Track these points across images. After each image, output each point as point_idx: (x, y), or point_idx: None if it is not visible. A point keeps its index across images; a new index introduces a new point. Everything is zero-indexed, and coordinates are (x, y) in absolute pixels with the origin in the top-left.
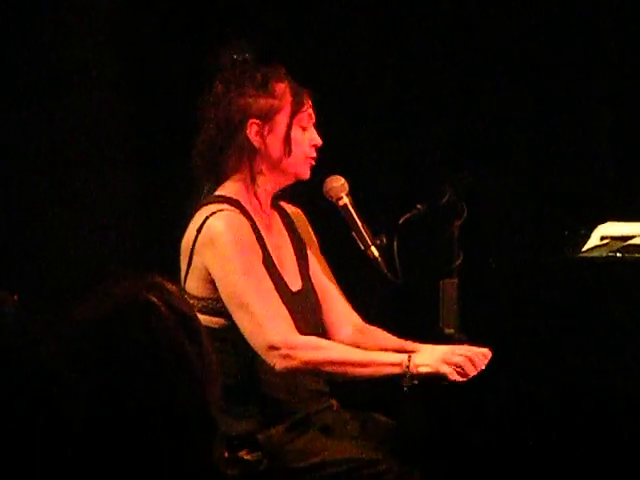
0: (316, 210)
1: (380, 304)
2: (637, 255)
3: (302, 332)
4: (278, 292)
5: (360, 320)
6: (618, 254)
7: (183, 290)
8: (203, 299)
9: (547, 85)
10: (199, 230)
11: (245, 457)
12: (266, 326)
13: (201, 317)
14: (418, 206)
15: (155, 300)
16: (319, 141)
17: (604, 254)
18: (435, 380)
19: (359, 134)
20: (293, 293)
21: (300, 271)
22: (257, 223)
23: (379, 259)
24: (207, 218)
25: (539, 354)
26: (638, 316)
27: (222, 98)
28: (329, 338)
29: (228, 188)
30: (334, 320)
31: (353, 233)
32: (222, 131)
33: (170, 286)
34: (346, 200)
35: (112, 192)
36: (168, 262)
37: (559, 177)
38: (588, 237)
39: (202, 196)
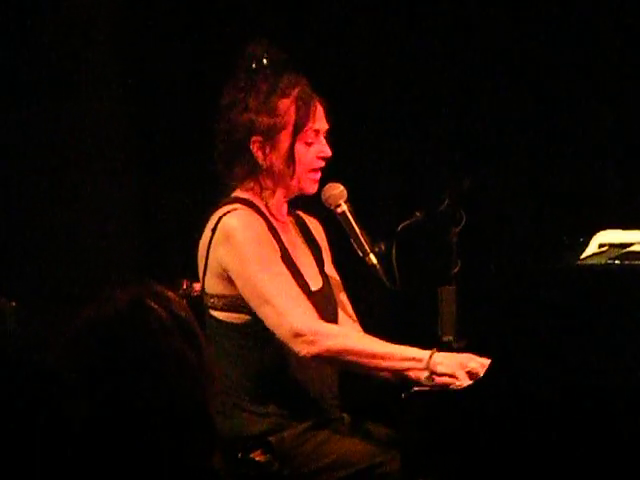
0: (314, 217)
1: (379, 311)
2: (636, 262)
3: None
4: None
5: (361, 331)
6: (617, 261)
7: (203, 290)
8: (224, 297)
9: (547, 85)
10: (214, 230)
11: (257, 459)
12: (289, 315)
13: (223, 314)
14: (417, 213)
15: (155, 306)
16: (327, 153)
17: (603, 261)
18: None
19: (357, 139)
20: (313, 292)
21: (320, 271)
22: (272, 222)
23: (377, 266)
24: (221, 218)
25: (538, 361)
26: (637, 323)
27: (227, 111)
28: None
29: (242, 192)
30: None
31: (351, 240)
32: (227, 146)
33: (169, 293)
34: (344, 207)
35: (112, 192)
36: (168, 262)
37: (559, 177)
38: (587, 244)
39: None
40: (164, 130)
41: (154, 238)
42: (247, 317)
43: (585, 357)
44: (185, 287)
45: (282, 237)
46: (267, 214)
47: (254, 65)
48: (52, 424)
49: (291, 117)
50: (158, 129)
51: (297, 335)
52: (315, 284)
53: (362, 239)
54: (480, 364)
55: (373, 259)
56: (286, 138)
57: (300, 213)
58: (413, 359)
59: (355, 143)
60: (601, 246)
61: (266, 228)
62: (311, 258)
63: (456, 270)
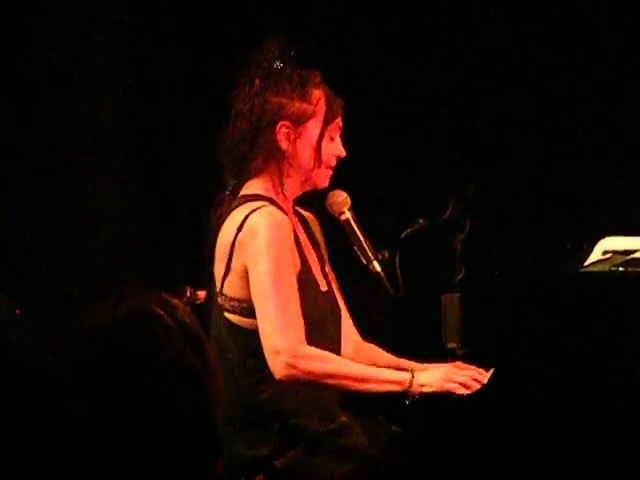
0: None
1: (382, 318)
2: None
3: (330, 332)
4: (310, 290)
5: (358, 337)
6: (621, 268)
7: (220, 292)
8: (244, 301)
9: (547, 85)
10: (239, 228)
11: None
12: (277, 330)
13: (239, 318)
14: (420, 220)
15: (161, 312)
16: (343, 152)
17: (607, 268)
18: (441, 394)
19: (359, 144)
20: (323, 292)
21: (322, 273)
22: (291, 221)
23: (381, 274)
24: (247, 216)
25: (542, 368)
26: None
27: (258, 94)
28: None
29: (256, 186)
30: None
31: (355, 247)
32: (253, 128)
33: (175, 300)
34: (348, 215)
35: (112, 192)
36: (167, 262)
37: (561, 179)
38: (590, 250)
39: (227, 192)
40: (164, 130)
41: (154, 238)
42: None
43: (589, 364)
44: (189, 294)
45: (299, 236)
46: (286, 211)
47: (281, 55)
48: (52, 425)
49: (322, 107)
50: (158, 129)
51: (276, 353)
52: (323, 285)
53: (366, 246)
54: (466, 376)
55: (377, 266)
56: (315, 127)
57: (298, 209)
58: (394, 382)
59: (358, 149)
60: (605, 253)
61: (291, 229)
62: (316, 259)
63: (460, 277)
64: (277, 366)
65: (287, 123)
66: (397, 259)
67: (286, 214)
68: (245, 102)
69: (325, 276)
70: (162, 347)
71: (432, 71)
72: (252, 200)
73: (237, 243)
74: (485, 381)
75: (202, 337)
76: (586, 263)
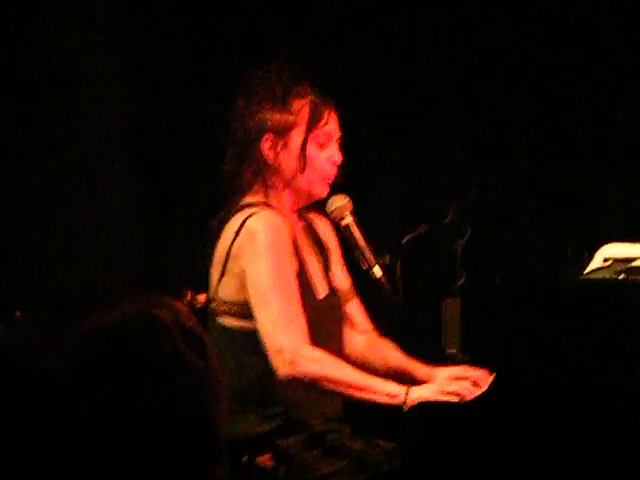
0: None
1: (383, 323)
2: None
3: (325, 340)
4: (305, 299)
5: (373, 333)
6: (622, 276)
7: (214, 297)
8: (239, 304)
9: (547, 85)
10: (237, 232)
11: (263, 463)
12: (279, 329)
13: (234, 321)
14: (421, 226)
15: (162, 314)
16: (338, 158)
17: (607, 276)
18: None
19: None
20: (320, 300)
21: (324, 278)
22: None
23: (382, 279)
24: (245, 220)
25: (541, 374)
26: None
27: (242, 112)
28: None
29: (253, 198)
30: (348, 331)
31: (356, 252)
32: (240, 145)
33: (177, 303)
34: (349, 220)
35: (112, 192)
36: (168, 263)
37: (560, 181)
38: (591, 258)
39: (227, 203)
40: (164, 130)
41: (154, 238)
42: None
43: (589, 370)
44: (189, 298)
45: (297, 242)
46: (284, 215)
47: (272, 74)
48: (53, 426)
49: (304, 116)
50: (158, 129)
51: (279, 352)
52: (322, 291)
53: (366, 251)
54: (460, 386)
55: (377, 272)
56: (298, 136)
57: (309, 215)
58: (388, 395)
59: (358, 153)
60: (605, 260)
61: (289, 234)
62: (318, 265)
63: (460, 282)
64: (280, 365)
65: (270, 136)
66: (398, 264)
67: (284, 217)
68: (232, 122)
69: (328, 283)
70: (163, 348)
71: (433, 72)
72: (250, 206)
73: (235, 247)
74: (484, 387)
75: (204, 340)
76: (587, 270)
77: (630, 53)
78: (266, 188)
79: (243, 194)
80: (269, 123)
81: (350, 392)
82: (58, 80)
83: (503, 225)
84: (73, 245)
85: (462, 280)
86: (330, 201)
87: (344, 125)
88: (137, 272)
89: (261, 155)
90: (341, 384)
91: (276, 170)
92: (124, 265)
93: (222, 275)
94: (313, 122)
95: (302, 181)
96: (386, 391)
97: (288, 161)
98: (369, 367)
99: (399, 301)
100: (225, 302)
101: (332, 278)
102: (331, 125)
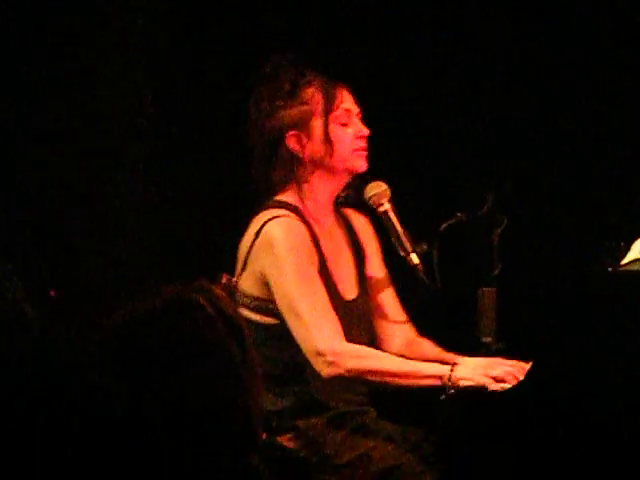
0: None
1: (419, 311)
2: None
3: (355, 341)
4: (330, 300)
5: (413, 333)
6: None
7: (235, 287)
8: (257, 299)
9: (547, 85)
10: (257, 234)
11: (285, 443)
12: (314, 332)
13: (251, 314)
14: (458, 214)
15: (202, 301)
16: (365, 131)
17: None
18: (475, 390)
19: (396, 139)
20: (347, 301)
21: (357, 279)
22: (315, 229)
23: (419, 266)
24: (265, 223)
25: (576, 364)
26: None
27: (258, 118)
28: (379, 347)
29: (284, 197)
30: (385, 330)
31: (393, 240)
32: (266, 147)
33: (217, 290)
34: (387, 206)
35: (129, 190)
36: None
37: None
38: (627, 249)
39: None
40: (183, 126)
41: (171, 236)
42: (275, 321)
43: (624, 361)
44: (225, 280)
45: (322, 245)
46: (310, 219)
47: (276, 72)
48: (90, 418)
49: (319, 101)
50: (177, 125)
51: (319, 354)
52: (351, 293)
53: (404, 239)
54: (504, 371)
55: (415, 259)
56: (319, 123)
57: (347, 211)
58: (433, 377)
59: (396, 142)
60: None
61: (309, 237)
62: (352, 264)
63: (497, 272)
64: (321, 367)
65: (293, 131)
66: (435, 252)
67: (308, 222)
68: (252, 130)
69: (359, 283)
70: (203, 336)
71: (473, 63)
72: (275, 207)
73: (254, 248)
74: (521, 377)
75: (243, 328)
76: (624, 262)
77: (630, 53)
78: (299, 184)
79: (275, 193)
80: (287, 120)
81: (396, 381)
82: (59, 80)
83: (540, 216)
84: (93, 243)
85: (498, 270)
86: (368, 188)
87: (383, 115)
88: (154, 268)
89: (289, 152)
90: (385, 374)
91: (307, 161)
92: (142, 262)
93: (242, 270)
94: (328, 104)
95: (336, 161)
96: (430, 373)
97: (317, 149)
98: None
99: (436, 288)
100: (244, 294)
101: (367, 276)
102: (347, 102)
